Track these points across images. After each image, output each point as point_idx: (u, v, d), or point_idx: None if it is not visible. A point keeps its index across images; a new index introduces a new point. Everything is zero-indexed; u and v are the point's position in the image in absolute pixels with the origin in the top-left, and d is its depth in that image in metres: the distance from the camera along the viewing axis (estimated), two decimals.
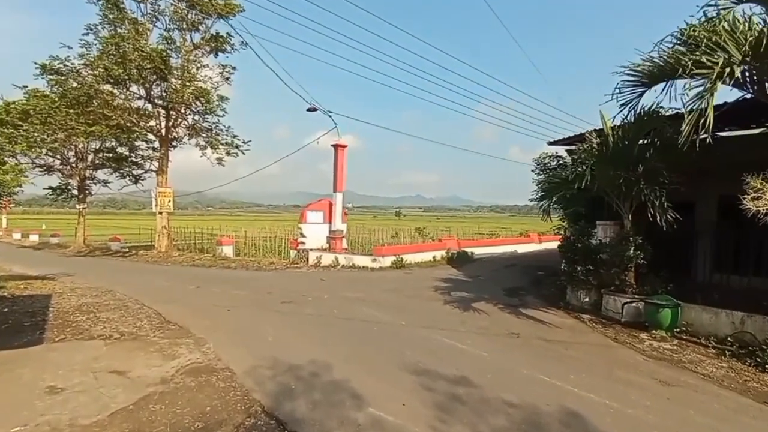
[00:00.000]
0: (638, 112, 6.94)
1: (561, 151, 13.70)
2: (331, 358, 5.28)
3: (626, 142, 7.53)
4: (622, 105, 6.61)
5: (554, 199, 8.85)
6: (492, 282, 11.57)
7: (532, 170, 15.01)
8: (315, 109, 14.47)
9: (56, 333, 6.22)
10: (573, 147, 10.08)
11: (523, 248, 21.52)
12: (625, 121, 7.20)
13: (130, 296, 9.11)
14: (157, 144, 20.89)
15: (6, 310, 7.63)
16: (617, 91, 6.35)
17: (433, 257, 15.76)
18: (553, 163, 14.37)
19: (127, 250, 21.83)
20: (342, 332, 6.54)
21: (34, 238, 30.27)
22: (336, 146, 15.06)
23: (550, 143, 12.12)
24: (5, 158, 20.20)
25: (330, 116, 14.79)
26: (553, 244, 24.69)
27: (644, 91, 6.31)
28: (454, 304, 8.69)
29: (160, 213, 19.86)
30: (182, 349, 5.57)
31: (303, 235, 14.92)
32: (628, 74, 6.11)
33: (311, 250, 14.73)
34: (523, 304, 8.87)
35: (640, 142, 7.58)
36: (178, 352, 5.44)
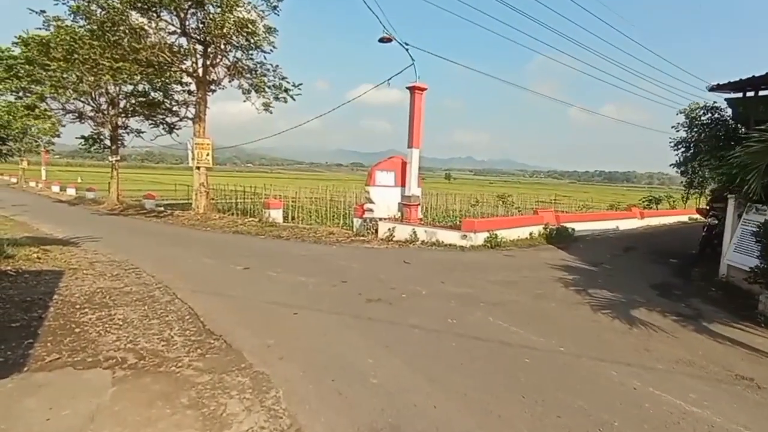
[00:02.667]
0: None
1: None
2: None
3: None
4: None
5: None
6: (625, 274, 9.11)
7: (674, 126, 12.24)
8: (389, 40, 11.63)
9: (49, 347, 4.34)
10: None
11: (625, 225, 18.65)
12: None
13: (159, 279, 7.28)
14: (193, 87, 19.02)
15: None
16: None
17: (530, 234, 13.20)
18: (704, 117, 11.43)
19: (162, 209, 20.81)
20: (483, 369, 4.20)
21: (71, 191, 30.48)
22: (413, 89, 12.26)
23: (713, 88, 9.12)
24: (35, 102, 19.47)
25: (407, 50, 11.88)
26: (657, 221, 21.72)
27: None
28: (606, 311, 6.23)
29: (198, 168, 18.29)
30: (233, 401, 3.44)
31: (371, 201, 12.58)
32: None
33: (381, 219, 12.42)
34: (698, 313, 6.46)
35: None
36: (228, 411, 3.31)
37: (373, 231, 12.39)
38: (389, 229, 11.92)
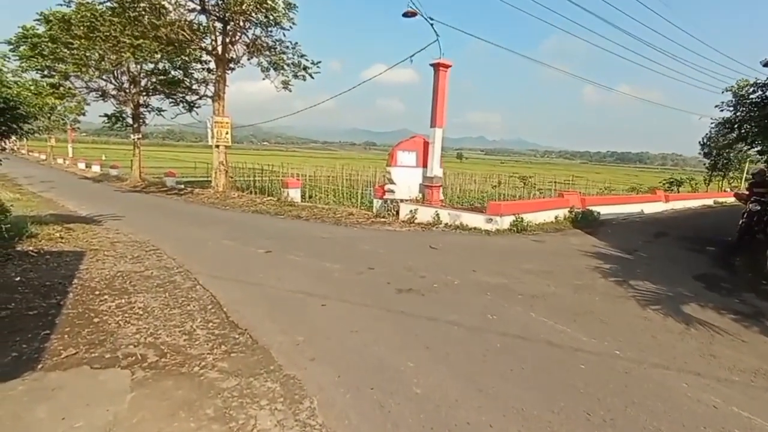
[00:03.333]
0: None
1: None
2: None
3: None
4: None
5: None
6: (663, 263, 8.36)
7: (717, 106, 11.19)
8: (414, 14, 10.74)
9: (66, 339, 3.96)
10: None
11: (650, 208, 17.66)
12: None
13: (180, 262, 6.88)
14: (212, 65, 18.45)
15: (18, 279, 5.58)
16: None
17: (555, 217, 12.42)
18: (754, 95, 10.43)
19: (182, 187, 20.60)
20: (535, 377, 3.67)
21: (95, 168, 30.66)
22: (437, 66, 11.41)
23: None
24: (60, 81, 19.28)
25: (432, 25, 10.98)
26: (682, 204, 20.47)
27: None
28: (655, 307, 5.59)
29: (217, 146, 17.89)
30: (264, 413, 3.00)
31: (392, 182, 11.96)
32: None
33: (402, 201, 11.82)
34: (758, 311, 5.72)
35: None
36: (259, 425, 2.86)
37: (394, 213, 11.82)
38: (411, 211, 11.32)
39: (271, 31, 16.25)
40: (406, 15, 10.79)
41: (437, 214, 10.98)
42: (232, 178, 19.32)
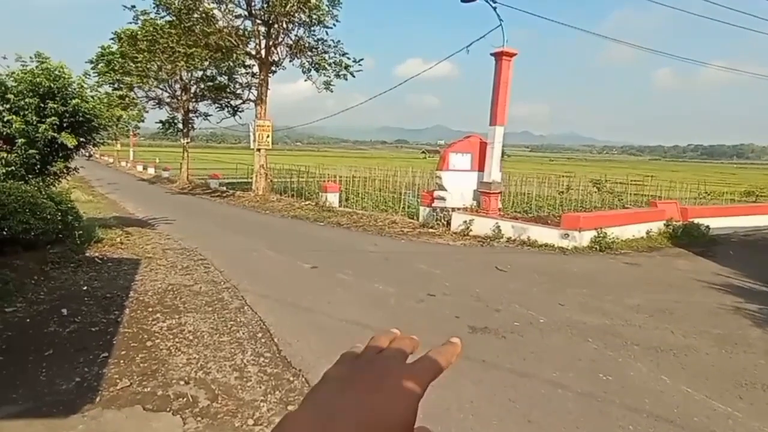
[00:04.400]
0: None
1: None
2: None
3: None
4: None
5: None
6: None
7: None
8: None
9: (122, 366, 3.92)
10: None
11: (764, 221, 14.53)
12: None
13: (227, 276, 6.85)
14: (256, 69, 19.04)
15: (85, 288, 5.88)
16: None
17: (647, 232, 10.96)
18: None
19: (224, 189, 21.36)
20: None
21: (151, 170, 33.14)
22: (499, 55, 10.73)
23: None
24: (126, 93, 21.29)
25: (495, 8, 10.41)
26: None
27: None
28: None
29: (258, 150, 18.23)
30: None
31: (442, 187, 11.48)
32: None
33: (454, 209, 11.32)
34: None
35: None
36: None
37: (444, 223, 11.29)
38: (465, 221, 10.70)
39: (313, 31, 16.32)
40: (465, 0, 10.33)
41: (498, 227, 10.09)
42: (271, 181, 19.70)
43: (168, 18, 16.52)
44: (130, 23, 18.29)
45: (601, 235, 9.52)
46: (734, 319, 5.74)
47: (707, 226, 11.34)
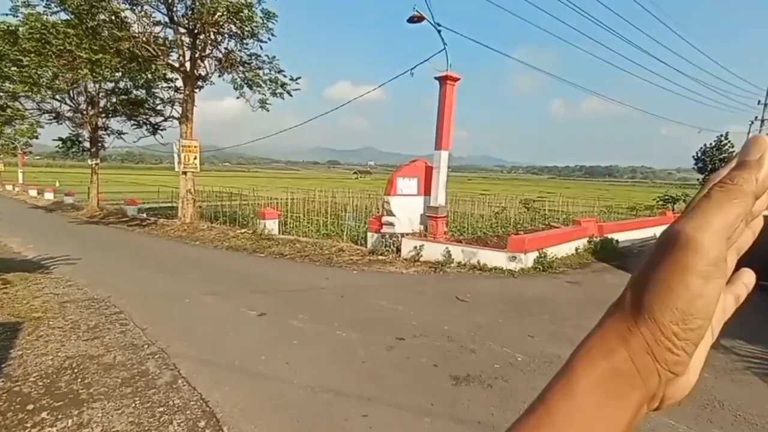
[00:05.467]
0: None
1: None
2: None
3: None
4: None
5: None
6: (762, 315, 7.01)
7: None
8: (420, 19, 9.79)
9: None
10: None
11: (650, 233, 16.51)
12: None
13: (152, 335, 5.35)
14: (179, 83, 16.91)
15: None
16: None
17: (576, 249, 11.29)
18: None
19: (145, 216, 18.62)
20: None
21: (49, 196, 27.88)
22: (444, 79, 10.35)
23: None
24: (6, 103, 17.29)
25: (439, 32, 10.03)
26: None
27: None
28: None
29: (185, 173, 16.18)
30: None
31: (391, 213, 10.73)
32: None
33: (404, 235, 10.61)
34: None
35: None
36: None
37: (394, 249, 10.53)
38: (416, 247, 10.00)
39: (246, 44, 14.92)
40: (411, 20, 9.80)
41: (448, 252, 9.63)
42: (200, 207, 17.60)
43: (64, 16, 13.78)
44: (7, 15, 14.57)
45: (542, 255, 9.71)
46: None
47: (617, 241, 12.47)
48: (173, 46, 15.19)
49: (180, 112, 16.30)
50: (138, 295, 7.24)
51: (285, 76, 15.64)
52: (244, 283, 8.22)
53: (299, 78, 15.76)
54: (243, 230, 14.44)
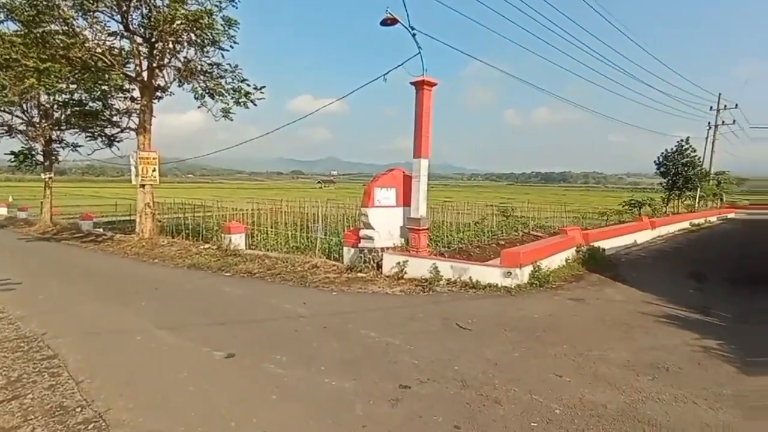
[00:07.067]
0: None
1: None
2: None
3: None
4: None
5: None
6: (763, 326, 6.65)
7: None
8: (394, 22, 9.02)
9: None
10: None
11: (641, 237, 16.27)
12: None
13: (89, 391, 4.26)
14: (136, 93, 15.48)
15: None
16: None
17: (566, 259, 10.68)
18: None
19: (100, 231, 16.85)
20: None
21: (2, 211, 25.35)
22: (420, 84, 9.56)
23: None
24: None
25: (414, 35, 9.27)
26: (666, 230, 18.53)
27: None
28: None
29: (143, 186, 14.69)
30: None
31: (369, 226, 9.79)
32: None
33: (384, 249, 9.69)
34: None
35: None
36: None
37: (374, 265, 9.60)
38: (399, 263, 9.02)
39: (207, 52, 13.72)
40: (384, 23, 9.00)
41: (436, 268, 8.61)
42: (160, 221, 16.02)
43: (11, 24, 12.78)
44: None
45: (537, 269, 8.92)
46: (716, 365, 5.08)
47: (603, 249, 12.00)
48: (130, 56, 13.86)
49: (137, 123, 14.88)
50: (80, 331, 6.04)
51: (249, 85, 14.57)
52: (209, 312, 7.08)
53: (263, 87, 14.73)
54: (207, 246, 13.11)
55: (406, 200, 10.19)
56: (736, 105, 32.59)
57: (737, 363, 5.07)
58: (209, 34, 12.70)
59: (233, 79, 14.43)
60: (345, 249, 10.32)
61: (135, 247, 13.71)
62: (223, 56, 13.87)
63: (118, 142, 18.67)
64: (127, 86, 15.64)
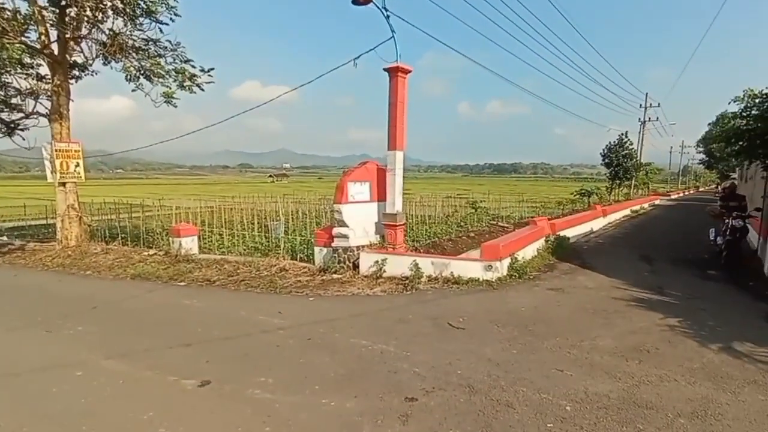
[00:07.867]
0: None
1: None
2: None
3: None
4: None
5: None
6: (708, 303, 7.06)
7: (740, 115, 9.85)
8: (367, 2, 8.38)
9: None
10: None
11: (596, 225, 17.33)
12: None
13: None
14: (45, 70, 13.21)
15: None
16: None
17: (537, 249, 10.79)
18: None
19: (6, 240, 14.46)
20: None
21: None
22: (393, 71, 8.92)
23: None
24: None
25: (387, 18, 8.68)
26: (613, 217, 20.15)
27: None
28: None
29: (63, 184, 12.73)
30: None
31: (343, 223, 9.12)
32: None
33: (360, 248, 9.10)
34: None
35: None
36: None
37: (350, 265, 8.98)
38: (377, 261, 8.37)
39: (141, 25, 12.02)
40: (356, 2, 8.35)
41: (416, 265, 8.17)
42: (89, 225, 14.09)
43: None
44: None
45: (515, 260, 8.91)
46: (684, 342, 5.45)
47: (568, 238, 12.57)
48: (30, 21, 11.68)
49: (49, 108, 12.73)
50: None
51: (194, 66, 13.00)
52: (167, 332, 5.95)
53: (212, 69, 13.16)
54: (152, 252, 11.59)
55: (380, 195, 9.60)
56: (659, 104, 36.99)
57: (696, 337, 5.50)
58: (142, 2, 11.14)
59: (174, 59, 12.78)
60: (316, 249, 9.51)
61: (58, 257, 11.73)
62: (161, 30, 12.11)
63: (21, 130, 15.38)
64: (28, 60, 13.20)
